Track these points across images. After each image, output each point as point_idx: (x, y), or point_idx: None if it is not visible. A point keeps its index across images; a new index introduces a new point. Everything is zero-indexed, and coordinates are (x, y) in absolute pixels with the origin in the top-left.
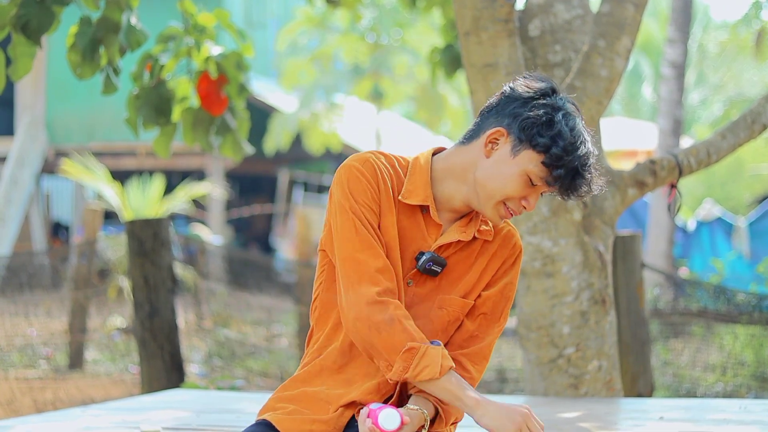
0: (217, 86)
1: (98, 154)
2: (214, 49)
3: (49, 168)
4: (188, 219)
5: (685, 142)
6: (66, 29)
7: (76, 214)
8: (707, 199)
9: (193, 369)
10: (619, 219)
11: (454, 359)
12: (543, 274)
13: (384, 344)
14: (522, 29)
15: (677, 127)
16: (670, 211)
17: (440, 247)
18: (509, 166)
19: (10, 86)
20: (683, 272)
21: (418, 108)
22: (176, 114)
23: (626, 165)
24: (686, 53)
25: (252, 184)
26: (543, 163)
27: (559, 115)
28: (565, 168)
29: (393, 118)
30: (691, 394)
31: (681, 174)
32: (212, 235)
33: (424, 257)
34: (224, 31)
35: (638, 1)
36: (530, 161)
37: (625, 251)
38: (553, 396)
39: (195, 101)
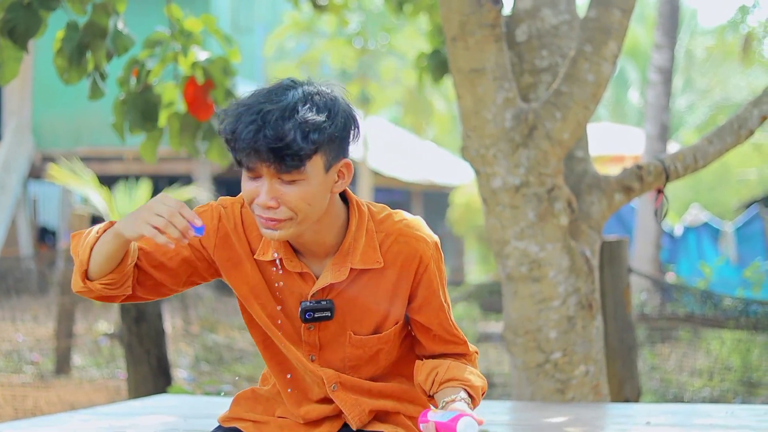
0: (204, 91)
1: (85, 159)
2: (201, 55)
3: (35, 173)
4: None
5: (672, 148)
6: (53, 34)
7: (63, 219)
8: (694, 204)
9: (180, 374)
10: (606, 224)
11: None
12: (530, 279)
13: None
14: (509, 34)
15: (664, 133)
16: (657, 216)
17: (323, 290)
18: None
19: None
20: (670, 277)
21: (405, 113)
22: (163, 119)
23: (613, 170)
24: (673, 58)
25: (239, 189)
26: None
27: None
28: (227, 139)
29: (380, 123)
30: (677, 399)
31: (668, 179)
32: None
33: (300, 309)
34: (211, 36)
35: (625, 7)
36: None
37: (612, 256)
38: (540, 401)
39: (182, 106)
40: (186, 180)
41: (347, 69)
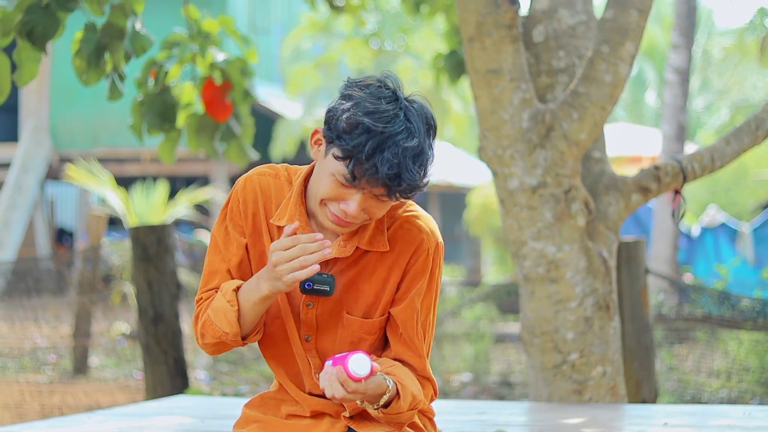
0: (222, 92)
1: (102, 160)
2: (219, 55)
3: (53, 174)
4: (192, 225)
5: (690, 148)
6: (70, 35)
7: (81, 219)
8: (711, 205)
9: (198, 375)
10: (623, 225)
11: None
12: (547, 279)
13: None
14: (526, 35)
15: (681, 133)
16: (675, 217)
17: (327, 265)
18: (322, 165)
19: (14, 92)
20: (687, 278)
21: None
22: (181, 120)
23: (630, 171)
24: (690, 59)
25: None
26: (336, 156)
27: (347, 104)
28: (354, 158)
29: None
30: (695, 399)
31: (685, 180)
32: None
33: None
34: (228, 37)
35: (642, 7)
36: (332, 158)
37: (629, 257)
38: (557, 402)
39: (199, 107)
40: (203, 181)
41: (364, 69)
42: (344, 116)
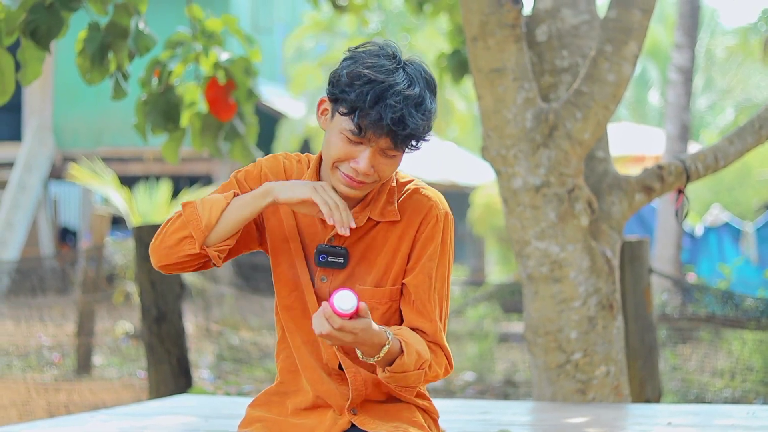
0: (226, 92)
1: (106, 159)
2: (222, 55)
3: (56, 173)
4: None
5: (693, 148)
6: (74, 34)
7: (84, 219)
8: (715, 205)
9: (202, 374)
10: (627, 224)
11: None
12: (550, 279)
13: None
14: (529, 34)
15: (685, 133)
16: (678, 217)
17: (340, 237)
18: (330, 129)
19: (17, 91)
20: (691, 278)
21: None
22: (185, 119)
23: (634, 170)
24: (693, 58)
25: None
26: (341, 113)
27: (347, 62)
28: (358, 109)
29: None
30: (699, 399)
31: (689, 179)
32: None
33: (316, 251)
34: (232, 36)
35: (645, 6)
36: (339, 117)
37: (632, 256)
38: (561, 401)
39: (203, 107)
40: (206, 180)
41: None
42: (345, 71)
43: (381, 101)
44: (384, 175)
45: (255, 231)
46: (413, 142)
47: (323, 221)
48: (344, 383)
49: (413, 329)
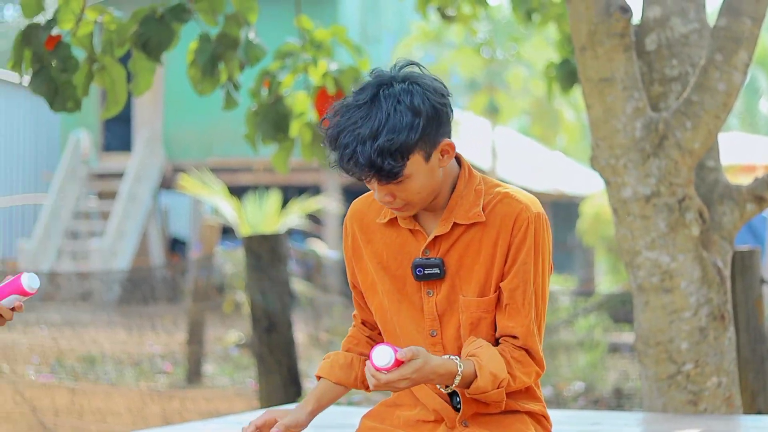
0: (335, 101)
1: (215, 170)
2: (332, 65)
3: (166, 183)
4: (304, 234)
5: None
6: (184, 46)
7: (194, 229)
8: None
9: (312, 384)
10: (738, 234)
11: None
12: (661, 289)
13: None
14: (638, 43)
15: None
16: None
17: (432, 247)
18: None
19: (128, 102)
20: None
21: (534, 123)
22: (294, 129)
23: (744, 180)
24: None
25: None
26: None
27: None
28: (329, 151)
29: (508, 132)
30: None
31: None
32: (328, 250)
33: (412, 265)
34: (341, 46)
35: (756, 15)
36: None
37: (743, 267)
38: (672, 413)
39: (313, 117)
40: (314, 190)
41: (475, 78)
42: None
43: (336, 145)
44: (409, 198)
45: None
46: (386, 176)
47: (413, 233)
48: (454, 396)
49: (505, 335)
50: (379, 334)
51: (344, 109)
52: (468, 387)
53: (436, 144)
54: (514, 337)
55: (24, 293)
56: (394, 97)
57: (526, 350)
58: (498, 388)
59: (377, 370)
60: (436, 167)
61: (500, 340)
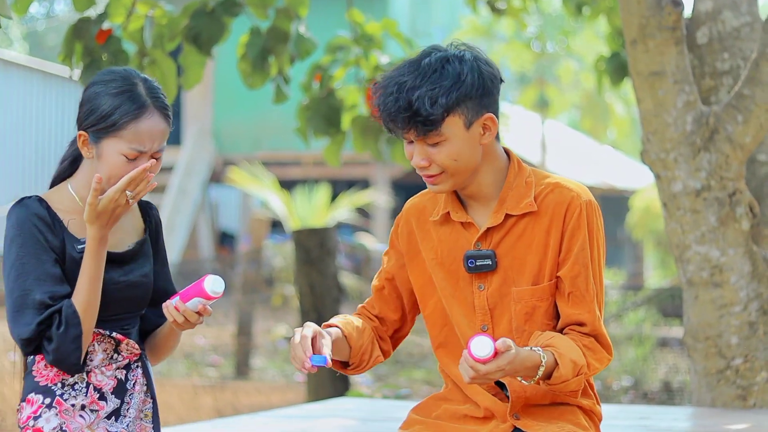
0: None
1: (265, 164)
2: (382, 58)
3: (216, 177)
4: (353, 228)
5: None
6: (234, 39)
7: (243, 222)
8: None
9: (359, 378)
10: None
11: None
12: (711, 284)
13: None
14: (689, 37)
15: None
16: None
17: (483, 240)
18: None
19: (178, 96)
20: None
21: (584, 116)
22: (346, 123)
23: None
24: None
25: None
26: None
27: None
28: (375, 105)
29: (558, 126)
30: None
31: None
32: (377, 243)
33: (464, 257)
34: (392, 39)
35: None
36: None
37: None
38: (721, 407)
39: (364, 110)
40: (364, 184)
41: (525, 72)
42: None
43: (382, 95)
44: (445, 163)
45: (402, 303)
46: (423, 123)
47: (465, 226)
48: (504, 389)
49: (571, 323)
50: (380, 336)
51: (396, 66)
52: (548, 378)
53: (478, 113)
54: (581, 325)
55: (207, 297)
56: (444, 57)
57: (594, 337)
58: (577, 375)
59: (476, 361)
60: (477, 140)
61: (566, 330)
